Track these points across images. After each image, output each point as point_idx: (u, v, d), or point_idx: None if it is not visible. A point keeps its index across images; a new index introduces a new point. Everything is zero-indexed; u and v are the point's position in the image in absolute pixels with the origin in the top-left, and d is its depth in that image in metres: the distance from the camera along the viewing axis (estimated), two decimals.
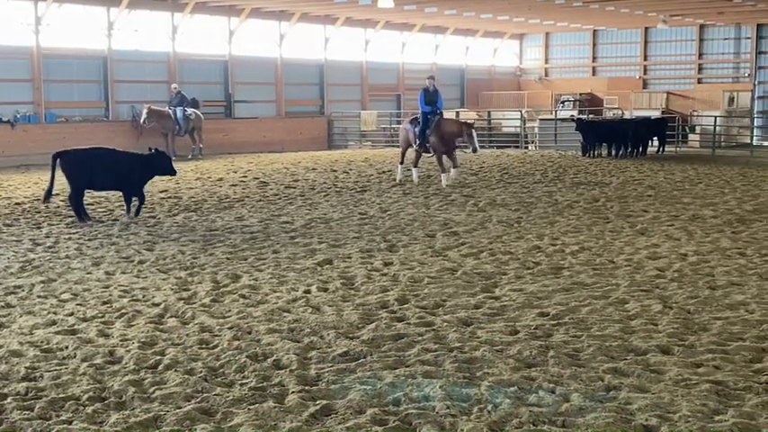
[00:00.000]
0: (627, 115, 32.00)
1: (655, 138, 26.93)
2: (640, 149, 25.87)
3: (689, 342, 6.74)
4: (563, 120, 29.56)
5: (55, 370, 6.13)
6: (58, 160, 12.98)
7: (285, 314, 7.68)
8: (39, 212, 14.14)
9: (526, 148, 29.40)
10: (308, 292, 8.55)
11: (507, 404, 5.35)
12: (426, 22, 33.87)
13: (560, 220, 13.10)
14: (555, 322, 7.34)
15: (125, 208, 13.59)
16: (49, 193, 13.15)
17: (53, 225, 12.84)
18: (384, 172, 20.70)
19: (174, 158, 24.33)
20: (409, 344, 6.72)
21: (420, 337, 6.90)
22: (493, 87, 39.36)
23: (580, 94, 37.41)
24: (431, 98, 18.18)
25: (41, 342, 6.83)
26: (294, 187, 17.81)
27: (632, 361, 6.26)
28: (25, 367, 6.16)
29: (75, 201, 13.07)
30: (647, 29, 36.86)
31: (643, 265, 9.72)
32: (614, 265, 9.81)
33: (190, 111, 25.62)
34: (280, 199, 16.00)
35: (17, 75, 23.89)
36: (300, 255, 10.47)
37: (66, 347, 6.66)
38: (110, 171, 13.16)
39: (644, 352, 6.49)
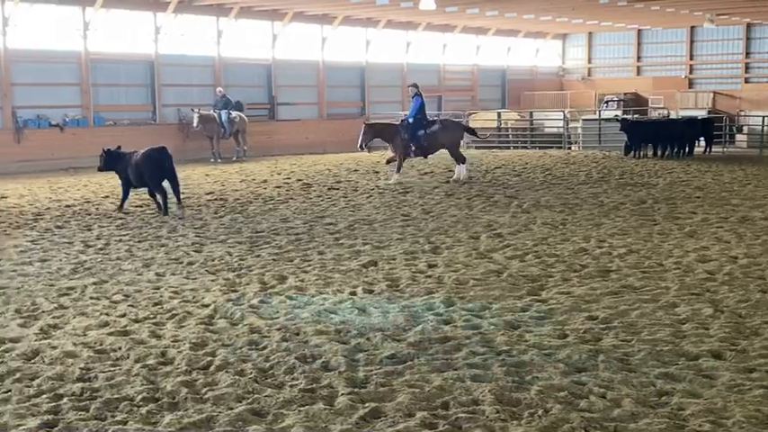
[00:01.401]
0: (673, 115, 31.55)
1: (701, 138, 26.51)
2: (687, 150, 25.49)
3: (741, 347, 6.64)
4: (607, 120, 29.23)
5: (109, 371, 6.24)
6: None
7: (332, 315, 7.73)
8: (89, 215, 14.42)
9: (569, 148, 29.15)
10: (353, 293, 8.58)
11: (558, 409, 5.32)
12: (468, 23, 33.78)
13: (607, 222, 12.97)
14: (604, 326, 7.28)
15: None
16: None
17: (103, 227, 13.07)
18: (426, 173, 20.68)
19: (219, 161, 25.16)
20: (456, 347, 6.71)
21: (467, 340, 6.89)
22: (535, 88, 39.11)
23: (624, 94, 36.99)
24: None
25: (95, 343, 6.96)
26: (337, 189, 17.89)
27: (684, 366, 6.18)
28: (80, 368, 6.28)
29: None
30: (692, 28, 36.33)
31: (693, 268, 9.59)
32: (663, 267, 9.68)
33: (234, 114, 25.92)
34: (323, 200, 16.09)
35: (66, 79, 24.35)
36: (345, 256, 10.53)
37: (120, 348, 6.78)
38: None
39: (696, 357, 6.41)
